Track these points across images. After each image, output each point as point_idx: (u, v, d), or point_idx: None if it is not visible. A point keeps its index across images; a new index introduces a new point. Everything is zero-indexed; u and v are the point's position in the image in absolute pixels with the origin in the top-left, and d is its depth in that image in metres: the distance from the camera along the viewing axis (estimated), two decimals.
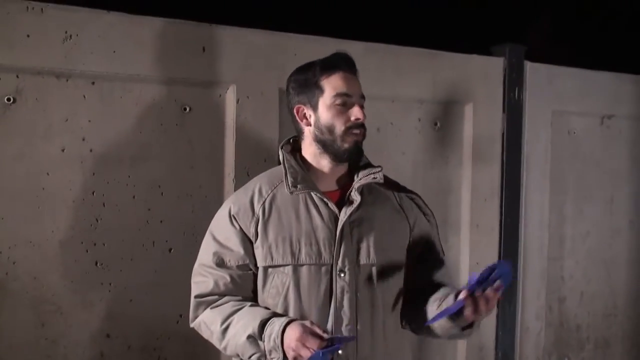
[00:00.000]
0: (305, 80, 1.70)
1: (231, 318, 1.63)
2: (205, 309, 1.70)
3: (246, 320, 1.60)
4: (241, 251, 1.68)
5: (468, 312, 1.52)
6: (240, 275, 1.69)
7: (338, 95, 1.66)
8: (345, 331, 1.64)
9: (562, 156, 3.05)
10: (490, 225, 2.86)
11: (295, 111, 1.73)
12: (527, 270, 2.95)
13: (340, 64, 1.69)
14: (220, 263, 1.69)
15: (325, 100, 1.67)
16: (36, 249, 2.04)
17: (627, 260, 3.29)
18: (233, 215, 1.70)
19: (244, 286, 1.70)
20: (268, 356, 1.56)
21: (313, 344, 1.47)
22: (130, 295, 2.18)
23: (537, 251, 2.98)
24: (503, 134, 2.87)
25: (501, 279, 1.53)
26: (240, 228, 1.69)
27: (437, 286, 1.74)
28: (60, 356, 2.09)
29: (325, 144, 1.69)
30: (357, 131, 1.67)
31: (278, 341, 1.52)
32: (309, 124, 1.71)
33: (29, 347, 2.05)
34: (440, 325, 1.65)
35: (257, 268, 1.69)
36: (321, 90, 1.67)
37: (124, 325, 2.18)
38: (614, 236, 3.25)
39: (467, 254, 2.81)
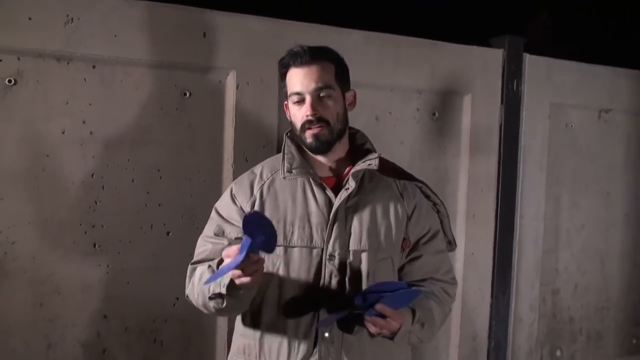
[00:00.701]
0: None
1: (204, 269, 1.69)
2: None
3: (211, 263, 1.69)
4: (240, 226, 1.72)
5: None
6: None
7: (292, 94, 1.71)
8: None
9: (559, 149, 3.06)
10: (486, 215, 2.88)
11: (284, 107, 1.81)
12: (522, 261, 2.97)
13: (290, 61, 1.72)
14: (220, 233, 1.76)
15: (288, 100, 1.74)
16: (35, 230, 2.06)
17: (621, 253, 3.30)
18: (234, 194, 1.78)
19: None
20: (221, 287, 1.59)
21: (231, 251, 1.51)
22: (127, 278, 2.20)
23: (532, 242, 3.00)
24: (501, 125, 2.88)
25: (386, 299, 1.56)
26: (240, 207, 1.76)
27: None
28: (57, 336, 2.11)
29: (298, 137, 1.75)
30: (314, 126, 1.68)
31: None
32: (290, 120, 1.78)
33: (27, 326, 2.07)
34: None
35: None
36: (286, 90, 1.74)
37: (121, 307, 2.20)
38: (609, 229, 3.26)
39: (463, 243, 2.83)
